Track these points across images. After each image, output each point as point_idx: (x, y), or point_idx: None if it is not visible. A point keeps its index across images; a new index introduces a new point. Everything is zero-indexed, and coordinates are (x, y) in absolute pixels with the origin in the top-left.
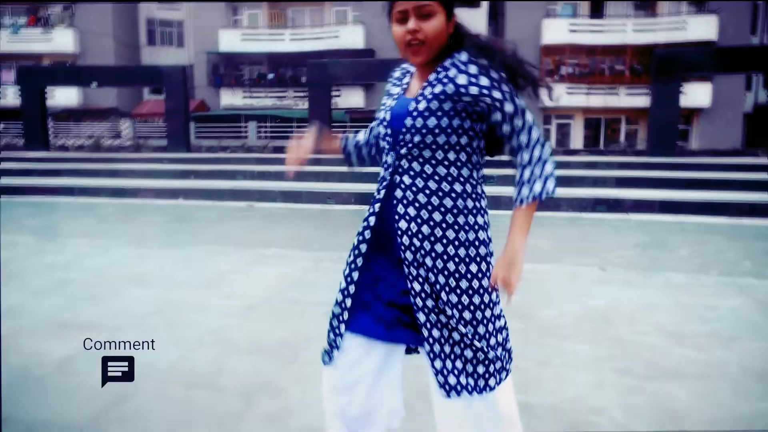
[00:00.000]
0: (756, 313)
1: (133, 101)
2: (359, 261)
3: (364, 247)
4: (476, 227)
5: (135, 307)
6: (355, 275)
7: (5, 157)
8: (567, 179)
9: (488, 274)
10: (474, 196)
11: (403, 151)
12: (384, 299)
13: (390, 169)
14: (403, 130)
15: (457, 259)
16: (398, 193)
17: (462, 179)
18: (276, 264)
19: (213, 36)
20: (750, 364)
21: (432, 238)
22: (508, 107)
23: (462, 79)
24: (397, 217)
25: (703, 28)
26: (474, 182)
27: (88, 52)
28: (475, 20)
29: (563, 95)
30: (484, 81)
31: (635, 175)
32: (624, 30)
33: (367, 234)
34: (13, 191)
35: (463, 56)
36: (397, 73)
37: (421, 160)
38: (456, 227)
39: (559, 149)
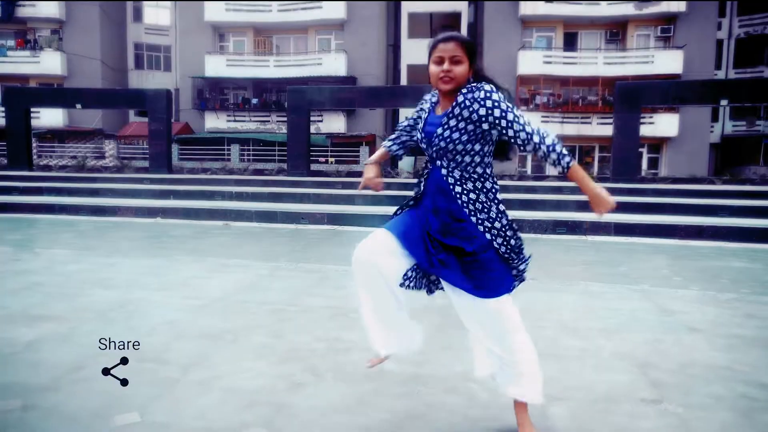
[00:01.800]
0: (651, 314)
1: (118, 123)
2: (405, 208)
3: (411, 203)
4: (493, 189)
5: (98, 304)
6: (403, 213)
7: None
8: (531, 203)
9: (503, 214)
10: (486, 176)
11: (435, 150)
12: (416, 231)
13: (431, 161)
14: (435, 137)
15: (486, 202)
16: (443, 172)
17: (479, 169)
18: (235, 272)
19: (199, 61)
20: (621, 349)
21: (470, 194)
22: (512, 123)
23: (482, 111)
24: (450, 184)
25: (669, 62)
26: (485, 167)
27: (75, 74)
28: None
29: (538, 123)
30: (497, 112)
31: None
32: (595, 62)
33: (417, 194)
34: None
35: (481, 93)
36: (427, 96)
37: (449, 159)
38: (484, 189)
39: (530, 175)
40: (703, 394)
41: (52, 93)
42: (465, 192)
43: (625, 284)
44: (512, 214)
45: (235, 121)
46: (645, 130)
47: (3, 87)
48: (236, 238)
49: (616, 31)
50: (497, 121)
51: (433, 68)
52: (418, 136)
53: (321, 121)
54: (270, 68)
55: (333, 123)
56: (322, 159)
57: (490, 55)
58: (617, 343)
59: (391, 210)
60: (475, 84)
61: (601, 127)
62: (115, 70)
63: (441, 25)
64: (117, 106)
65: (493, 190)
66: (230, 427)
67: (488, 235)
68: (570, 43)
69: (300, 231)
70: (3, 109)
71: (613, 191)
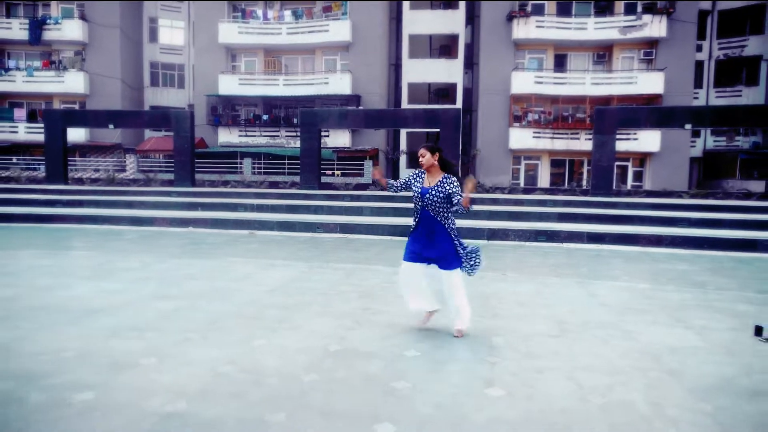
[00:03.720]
0: (581, 297)
1: (135, 138)
2: (412, 230)
3: (412, 235)
4: (453, 225)
5: (201, 289)
6: (411, 242)
7: (31, 188)
8: (518, 214)
9: (458, 240)
10: (451, 217)
11: (426, 204)
12: (423, 250)
13: (421, 209)
14: (425, 199)
15: (449, 234)
16: (431, 214)
17: (448, 213)
18: (282, 269)
19: (213, 80)
20: (548, 313)
21: (441, 228)
22: (456, 193)
23: (449, 189)
24: (431, 220)
25: (651, 83)
26: (450, 213)
27: (96, 93)
28: (452, 69)
29: (530, 139)
30: (456, 188)
31: (574, 211)
32: (583, 83)
33: (416, 225)
34: (41, 219)
35: (449, 181)
36: (418, 172)
37: (433, 206)
38: (448, 225)
39: (521, 188)
40: (590, 334)
41: (88, 114)
42: (442, 222)
43: (576, 279)
44: (500, 224)
45: (246, 135)
46: (630, 146)
47: (29, 106)
48: (264, 244)
49: (602, 54)
50: (453, 193)
51: (419, 159)
52: (415, 192)
53: (327, 136)
54: (279, 87)
55: (339, 138)
56: (329, 172)
57: (485, 73)
58: (548, 311)
59: (394, 220)
60: (447, 176)
61: (588, 143)
62: (133, 87)
63: (440, 45)
64: (145, 125)
65: (453, 223)
66: (319, 346)
67: (455, 242)
68: (560, 64)
69: (316, 239)
70: (39, 125)
71: (591, 204)
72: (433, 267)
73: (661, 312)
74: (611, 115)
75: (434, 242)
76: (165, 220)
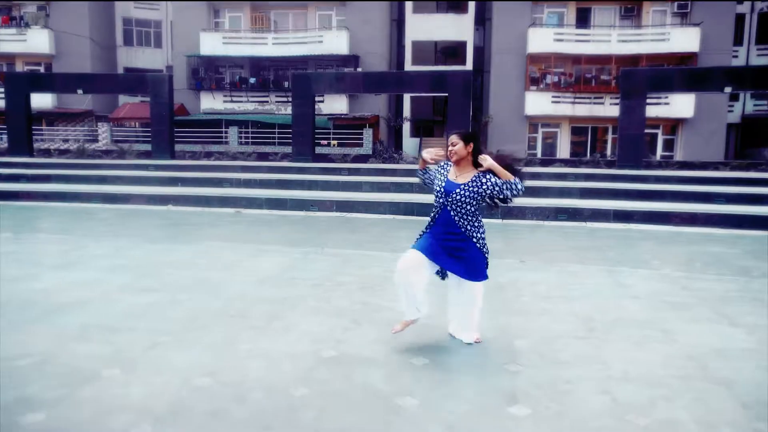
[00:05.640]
0: (608, 287)
1: (109, 104)
2: (427, 230)
3: (428, 228)
4: (482, 233)
5: (186, 280)
6: (423, 236)
7: None
8: (535, 190)
9: (486, 249)
10: (478, 215)
11: (450, 203)
12: (436, 245)
13: (442, 210)
14: (450, 198)
15: (476, 246)
16: (453, 218)
17: (477, 219)
18: (274, 256)
19: (193, 38)
20: (573, 309)
21: (465, 238)
22: (504, 190)
23: (484, 188)
24: (453, 226)
25: (685, 39)
26: (478, 213)
27: (63, 53)
28: (462, 26)
29: (549, 104)
30: (498, 187)
31: (598, 186)
32: (609, 40)
33: (431, 225)
34: (3, 196)
35: (485, 177)
36: (442, 164)
37: (458, 207)
38: (476, 234)
39: (538, 159)
40: (623, 335)
41: (54, 78)
42: (467, 229)
43: (602, 266)
44: (516, 201)
45: (232, 101)
46: (660, 111)
47: (5, 72)
48: (252, 225)
49: (630, 7)
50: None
51: (448, 148)
52: (437, 188)
53: (322, 101)
54: (268, 46)
55: (335, 104)
56: (324, 141)
57: (499, 29)
58: (573, 305)
59: (396, 197)
60: (484, 172)
61: (614, 108)
62: (104, 47)
63: None
64: (118, 90)
65: (482, 230)
66: (310, 351)
67: (477, 244)
68: (582, 19)
69: (310, 218)
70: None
71: (617, 178)
72: (455, 276)
73: (702, 306)
74: (640, 77)
75: (455, 252)
76: (142, 197)
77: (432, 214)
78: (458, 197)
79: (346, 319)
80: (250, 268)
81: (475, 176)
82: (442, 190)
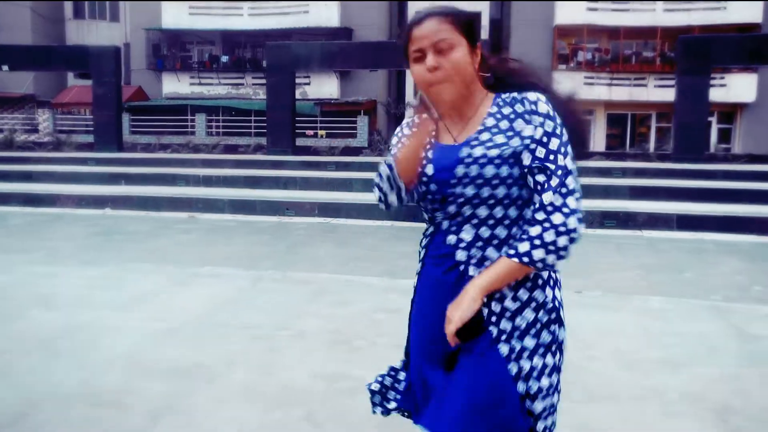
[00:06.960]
0: (727, 340)
1: (54, 87)
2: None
3: (421, 275)
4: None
5: (40, 330)
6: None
7: None
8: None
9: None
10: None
11: (452, 208)
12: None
13: (438, 223)
14: (453, 181)
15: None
16: (460, 255)
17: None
18: (208, 284)
19: (155, 9)
20: (691, 389)
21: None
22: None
23: (529, 131)
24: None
25: (746, 8)
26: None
27: None
28: None
29: (581, 85)
30: (555, 142)
31: (653, 184)
32: (653, 9)
33: (423, 265)
34: None
35: (526, 104)
36: (406, 125)
37: (475, 221)
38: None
39: None
40: None
41: None
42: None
43: (691, 298)
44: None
45: (200, 84)
46: (714, 95)
47: None
48: (206, 235)
49: None
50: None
51: (415, 69)
52: (422, 179)
53: (308, 84)
54: (244, 18)
55: (323, 87)
56: (310, 132)
57: (520, 1)
58: (686, 380)
59: None
60: (516, 96)
61: (659, 91)
62: (49, 19)
63: None
64: (54, 66)
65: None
66: None
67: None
68: None
69: (284, 225)
70: None
71: (675, 173)
72: None
73: None
74: (703, 47)
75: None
76: (72, 198)
77: (422, 241)
78: (472, 173)
79: (295, 412)
80: (163, 306)
81: (495, 113)
82: (432, 174)
